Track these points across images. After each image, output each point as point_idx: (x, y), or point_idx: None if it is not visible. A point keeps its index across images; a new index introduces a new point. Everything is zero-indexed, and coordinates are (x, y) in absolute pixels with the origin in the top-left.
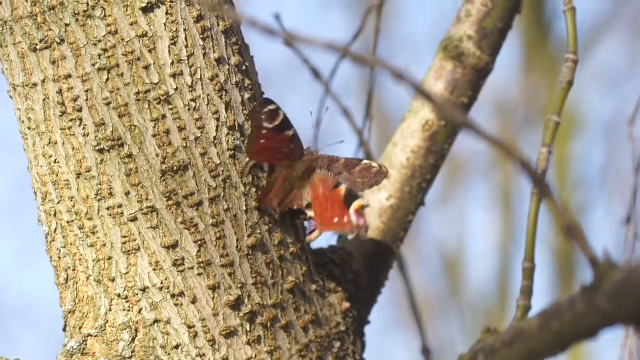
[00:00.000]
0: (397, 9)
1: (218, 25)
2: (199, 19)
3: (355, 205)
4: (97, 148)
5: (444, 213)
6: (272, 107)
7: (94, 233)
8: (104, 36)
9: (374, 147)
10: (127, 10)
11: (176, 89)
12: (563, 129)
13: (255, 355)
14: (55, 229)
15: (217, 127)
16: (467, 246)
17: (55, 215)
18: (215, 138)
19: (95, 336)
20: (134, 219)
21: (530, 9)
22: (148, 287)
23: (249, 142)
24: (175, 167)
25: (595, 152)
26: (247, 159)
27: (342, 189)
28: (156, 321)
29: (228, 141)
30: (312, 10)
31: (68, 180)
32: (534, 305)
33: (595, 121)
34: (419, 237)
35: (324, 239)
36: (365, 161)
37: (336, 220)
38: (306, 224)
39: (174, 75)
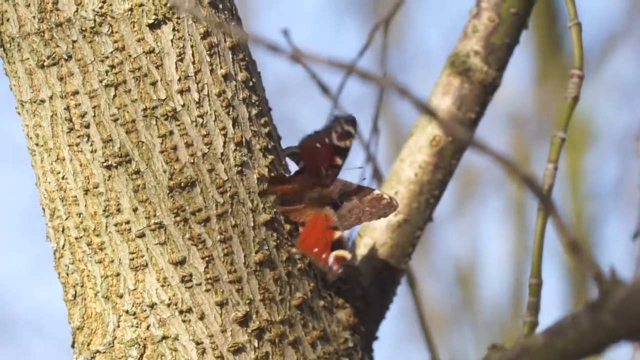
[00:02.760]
0: (410, 23)
1: (225, 41)
2: (206, 35)
3: (339, 253)
4: (105, 164)
5: (458, 226)
6: (350, 129)
7: (101, 249)
8: (111, 52)
9: (385, 162)
10: (134, 27)
11: (183, 105)
12: (576, 142)
13: None
14: (64, 245)
15: (225, 143)
16: (480, 259)
17: (63, 231)
18: (222, 154)
19: (104, 352)
20: (141, 235)
21: (543, 22)
22: (156, 304)
23: (310, 134)
24: (182, 183)
25: (609, 165)
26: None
27: (337, 233)
28: (164, 337)
29: (235, 157)
30: (327, 23)
31: (76, 197)
32: (546, 321)
33: (608, 133)
34: (432, 250)
35: None
36: (377, 192)
37: (315, 250)
38: None
39: (181, 92)
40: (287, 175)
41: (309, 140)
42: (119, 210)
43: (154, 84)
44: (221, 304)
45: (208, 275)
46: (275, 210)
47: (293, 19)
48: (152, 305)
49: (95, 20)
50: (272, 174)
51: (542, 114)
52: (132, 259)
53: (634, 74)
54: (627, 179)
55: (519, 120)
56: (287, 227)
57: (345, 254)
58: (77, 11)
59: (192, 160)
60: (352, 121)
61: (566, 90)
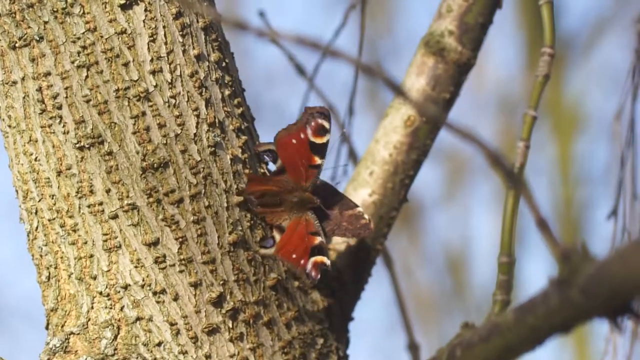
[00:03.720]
0: (400, 9)
1: (197, 21)
2: (178, 15)
3: (318, 259)
4: (77, 145)
5: (448, 212)
6: (325, 123)
7: (75, 231)
8: (83, 33)
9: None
10: (105, 7)
11: (155, 86)
12: (566, 128)
13: (238, 352)
14: (37, 227)
15: (197, 123)
16: (471, 245)
17: (36, 213)
18: (195, 135)
19: (78, 334)
20: (114, 217)
21: (531, 7)
22: (130, 285)
23: (284, 128)
24: (155, 164)
25: (599, 150)
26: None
27: (317, 239)
28: (138, 319)
29: (208, 138)
30: (315, 11)
31: (49, 178)
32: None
33: (598, 119)
34: (423, 236)
35: None
36: (359, 209)
37: (293, 256)
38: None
39: (153, 72)
40: (266, 175)
41: (283, 136)
42: (92, 192)
43: (126, 64)
44: (195, 285)
45: (182, 256)
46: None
47: (283, 7)
48: (125, 287)
49: (66, 1)
50: (251, 174)
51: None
52: (106, 241)
53: (622, 59)
54: (617, 163)
55: (508, 106)
56: (260, 230)
57: (324, 259)
58: None
59: (165, 141)
60: (325, 114)
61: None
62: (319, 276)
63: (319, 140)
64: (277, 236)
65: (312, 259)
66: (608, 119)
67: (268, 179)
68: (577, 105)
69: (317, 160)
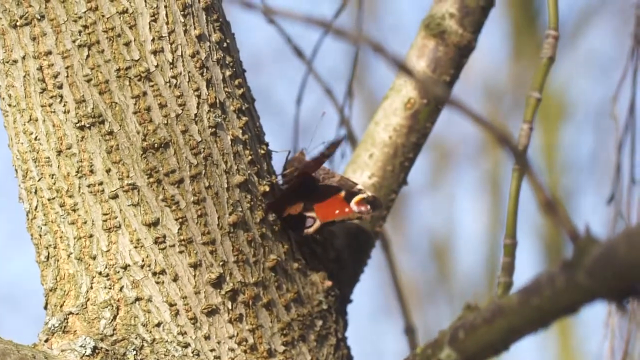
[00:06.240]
0: None
1: (199, 2)
2: None
3: (356, 199)
4: (78, 125)
5: (433, 199)
6: (339, 141)
7: (74, 210)
8: (84, 12)
9: (359, 129)
10: None
11: (157, 66)
12: (552, 115)
13: (237, 334)
14: (36, 207)
15: (198, 104)
16: (455, 232)
17: (35, 192)
18: (196, 115)
19: (77, 314)
20: (114, 197)
21: None
22: (129, 265)
23: (308, 163)
24: (156, 144)
25: (585, 138)
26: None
27: (342, 193)
28: (137, 299)
29: (209, 118)
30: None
31: (49, 158)
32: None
33: (584, 107)
34: (407, 223)
35: None
36: (359, 186)
37: (337, 212)
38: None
39: (154, 52)
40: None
41: (312, 168)
42: (92, 172)
43: (127, 44)
44: (195, 266)
45: (182, 237)
46: (249, 172)
47: None
48: (125, 267)
49: None
50: (266, 190)
51: (517, 89)
52: (105, 220)
53: (608, 47)
54: (603, 151)
55: (495, 94)
56: (262, 188)
57: (362, 195)
58: None
59: (165, 122)
60: (342, 138)
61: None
62: (369, 207)
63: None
64: (311, 214)
65: (353, 200)
66: (594, 106)
67: (285, 198)
68: (563, 93)
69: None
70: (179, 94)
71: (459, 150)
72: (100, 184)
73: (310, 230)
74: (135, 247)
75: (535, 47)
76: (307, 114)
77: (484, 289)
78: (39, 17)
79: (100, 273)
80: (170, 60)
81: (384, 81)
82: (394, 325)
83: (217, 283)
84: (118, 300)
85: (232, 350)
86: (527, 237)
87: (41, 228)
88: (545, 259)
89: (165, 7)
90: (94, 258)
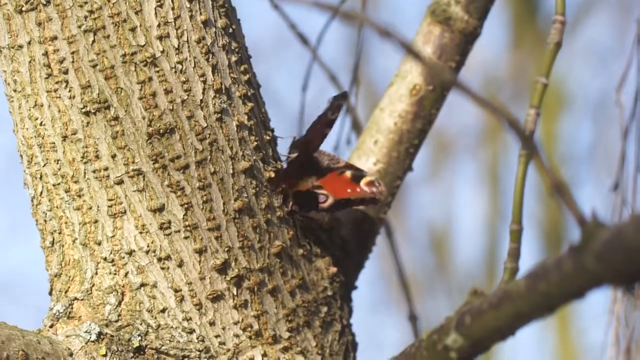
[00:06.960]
0: None
1: None
2: None
3: (364, 180)
4: (83, 110)
5: (432, 190)
6: (342, 102)
7: (80, 196)
8: None
9: (362, 117)
10: None
11: (162, 51)
12: (551, 106)
13: (242, 320)
14: (41, 192)
15: (204, 89)
16: (455, 223)
17: (41, 178)
18: (201, 101)
19: (82, 300)
20: (120, 182)
21: None
22: (134, 251)
23: (312, 124)
24: (161, 130)
25: (584, 129)
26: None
27: (348, 173)
28: (142, 285)
29: (214, 104)
30: None
31: (54, 143)
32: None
33: (583, 98)
34: (407, 214)
35: None
36: (365, 172)
37: (349, 190)
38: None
39: (160, 38)
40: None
41: (315, 129)
42: (97, 157)
43: (133, 29)
44: (200, 252)
45: (187, 223)
46: (255, 157)
47: None
48: (130, 253)
49: None
50: (272, 176)
51: (517, 79)
52: (111, 206)
53: (607, 39)
54: (602, 142)
55: (494, 85)
56: (267, 174)
57: (369, 177)
58: None
59: (171, 107)
60: (344, 95)
61: (545, 42)
62: (374, 189)
63: (334, 117)
64: (322, 191)
65: (363, 181)
66: (593, 97)
67: (288, 172)
68: (562, 83)
69: (328, 131)
70: (184, 79)
71: (458, 141)
72: (106, 169)
73: (325, 205)
74: (141, 233)
75: (536, 36)
76: (308, 103)
77: (482, 280)
78: (45, 2)
79: (105, 259)
80: (176, 46)
81: (383, 71)
82: (392, 315)
83: (222, 269)
84: (123, 286)
85: (237, 336)
86: (525, 225)
87: (46, 214)
88: (542, 247)
89: None
90: (99, 244)
